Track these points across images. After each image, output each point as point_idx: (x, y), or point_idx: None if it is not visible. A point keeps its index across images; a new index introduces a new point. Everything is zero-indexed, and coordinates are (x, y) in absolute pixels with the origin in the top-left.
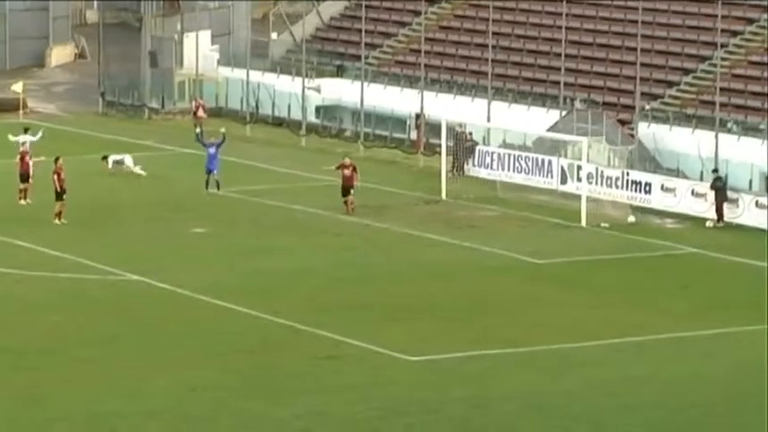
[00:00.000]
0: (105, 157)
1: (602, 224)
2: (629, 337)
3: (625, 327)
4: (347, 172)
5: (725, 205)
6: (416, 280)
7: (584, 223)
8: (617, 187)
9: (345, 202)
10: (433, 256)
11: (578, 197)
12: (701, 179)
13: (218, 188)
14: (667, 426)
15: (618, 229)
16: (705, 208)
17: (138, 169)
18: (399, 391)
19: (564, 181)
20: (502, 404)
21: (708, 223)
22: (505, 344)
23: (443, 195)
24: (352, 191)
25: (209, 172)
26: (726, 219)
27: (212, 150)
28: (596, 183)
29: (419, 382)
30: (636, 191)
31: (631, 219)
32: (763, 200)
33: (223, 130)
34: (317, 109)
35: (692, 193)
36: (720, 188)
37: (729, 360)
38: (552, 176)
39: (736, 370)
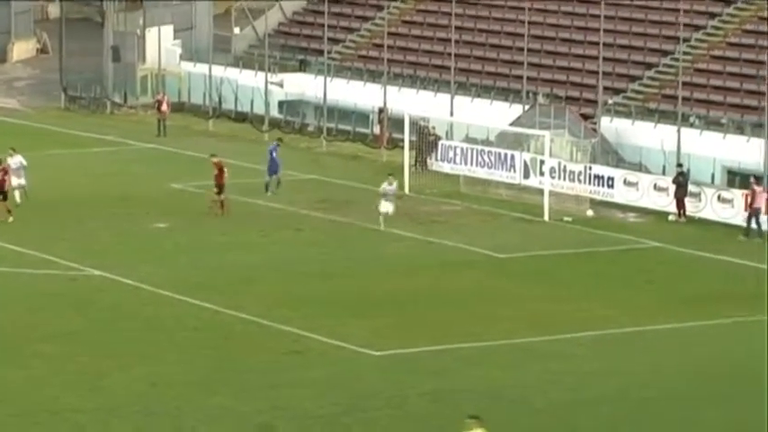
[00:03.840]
0: None
1: (565, 218)
2: (591, 331)
3: (587, 321)
4: (216, 171)
5: (686, 200)
6: (380, 275)
7: (546, 217)
8: (579, 181)
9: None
10: (397, 251)
11: (541, 191)
12: (664, 173)
13: (278, 186)
14: (629, 420)
15: (580, 224)
16: (668, 202)
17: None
18: (363, 385)
19: (527, 175)
20: (465, 398)
21: (670, 217)
22: (468, 338)
23: (406, 190)
24: (218, 189)
25: (273, 174)
26: (688, 213)
27: (273, 153)
28: (559, 177)
29: (382, 376)
30: (598, 185)
31: (590, 213)
32: (725, 194)
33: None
34: (280, 104)
35: (655, 187)
36: (682, 183)
37: (691, 354)
38: (515, 171)
39: (699, 364)
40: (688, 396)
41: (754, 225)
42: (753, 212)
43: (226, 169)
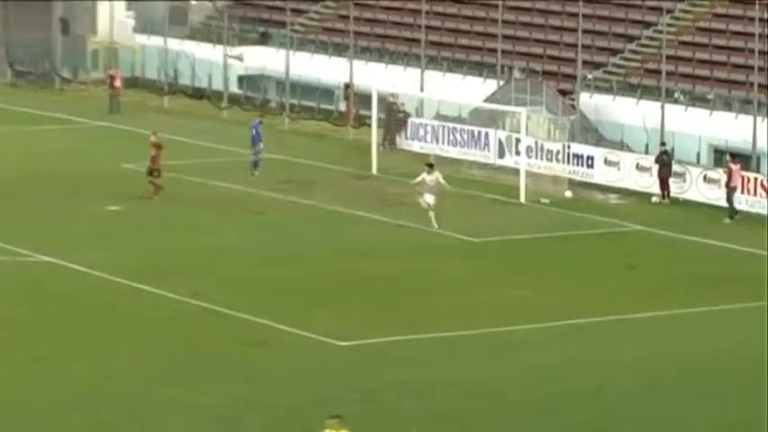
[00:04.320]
0: None
1: (543, 200)
2: (571, 319)
3: (567, 309)
4: (154, 152)
5: (670, 180)
6: (346, 260)
7: (523, 199)
8: (558, 161)
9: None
10: (364, 235)
11: (517, 172)
12: (647, 152)
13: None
14: (613, 413)
15: (559, 206)
16: (650, 183)
17: None
18: (330, 377)
19: (502, 155)
20: (439, 390)
21: (653, 199)
22: (441, 327)
23: (374, 170)
24: (154, 171)
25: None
26: (672, 194)
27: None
28: (536, 156)
29: (350, 368)
30: (578, 165)
31: (568, 194)
32: (711, 174)
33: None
34: (240, 79)
35: (637, 166)
36: (666, 162)
37: (677, 344)
38: (489, 150)
39: (685, 354)
40: (674, 388)
41: (726, 203)
42: (730, 191)
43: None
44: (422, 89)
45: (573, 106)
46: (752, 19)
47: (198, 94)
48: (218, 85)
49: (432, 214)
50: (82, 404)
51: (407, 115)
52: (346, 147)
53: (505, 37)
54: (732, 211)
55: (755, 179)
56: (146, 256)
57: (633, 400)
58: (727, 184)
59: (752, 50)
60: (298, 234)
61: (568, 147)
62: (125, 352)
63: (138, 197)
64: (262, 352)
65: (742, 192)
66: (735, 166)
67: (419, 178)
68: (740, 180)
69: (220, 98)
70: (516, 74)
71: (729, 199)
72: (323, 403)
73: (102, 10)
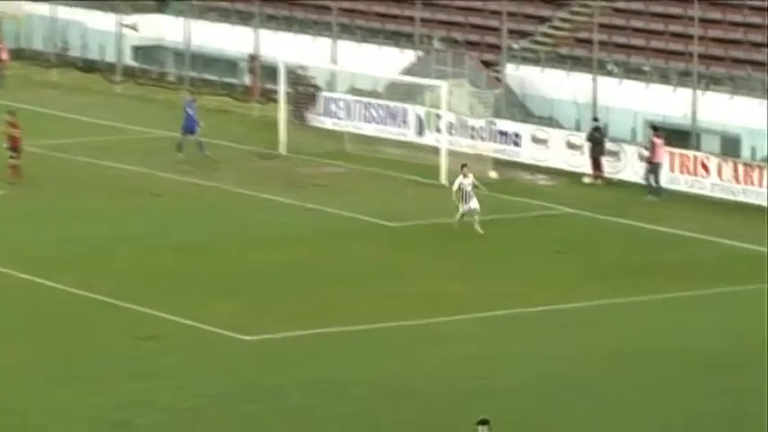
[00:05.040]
0: None
1: None
2: (497, 310)
3: (492, 298)
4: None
5: (603, 159)
6: (251, 247)
7: (444, 180)
8: (481, 139)
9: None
10: (271, 220)
11: (437, 150)
12: (578, 129)
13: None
14: (542, 411)
15: (483, 187)
16: (582, 162)
17: None
18: (233, 375)
19: (421, 132)
20: (353, 389)
21: (585, 179)
22: (356, 320)
23: (282, 149)
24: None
25: (189, 132)
26: (605, 174)
27: (189, 110)
28: (458, 134)
29: (256, 365)
30: (503, 143)
31: (493, 174)
32: (647, 152)
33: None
34: (135, 50)
35: (567, 144)
36: (598, 140)
37: (611, 336)
38: (407, 127)
39: (620, 347)
40: (609, 383)
41: (653, 182)
42: (652, 168)
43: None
44: (333, 61)
45: (498, 79)
46: None
47: (89, 66)
48: (111, 57)
49: (476, 218)
50: None
51: (318, 89)
52: (251, 124)
53: (424, 4)
54: (652, 189)
55: (695, 157)
56: (32, 244)
57: (564, 397)
58: (650, 160)
59: (691, 18)
60: (199, 219)
61: (493, 123)
62: (9, 352)
63: (22, 180)
64: (158, 347)
65: (681, 171)
66: (658, 140)
67: (456, 185)
68: (664, 155)
69: (114, 71)
70: (436, 44)
71: (655, 176)
72: (224, 404)
73: None
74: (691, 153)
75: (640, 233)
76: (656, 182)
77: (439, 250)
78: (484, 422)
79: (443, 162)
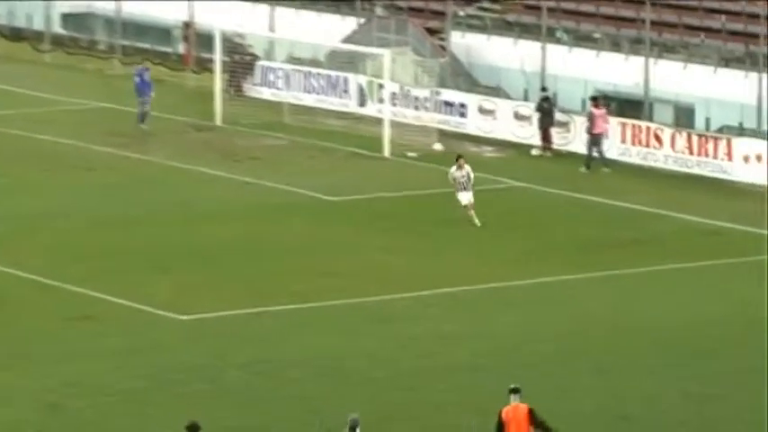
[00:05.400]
0: None
1: (409, 154)
2: (442, 287)
3: (438, 276)
4: None
5: (553, 130)
6: (186, 223)
7: (387, 153)
8: (426, 109)
9: None
10: (207, 194)
11: (380, 121)
12: (526, 99)
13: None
14: (489, 390)
15: (427, 160)
16: (530, 133)
17: None
18: (168, 356)
19: (362, 102)
20: (290, 370)
21: (533, 151)
22: (293, 298)
23: (218, 121)
24: None
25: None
26: (555, 146)
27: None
28: (401, 104)
29: (191, 345)
30: (449, 113)
31: (438, 146)
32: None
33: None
34: (64, 17)
35: (515, 115)
36: (547, 110)
37: (562, 313)
38: (349, 97)
39: (570, 324)
40: (559, 361)
41: (595, 153)
42: (593, 139)
43: None
44: (272, 28)
45: (443, 47)
46: None
47: (16, 35)
48: (39, 25)
49: (472, 212)
50: None
51: (255, 58)
52: (186, 94)
53: None
54: (590, 161)
55: (648, 128)
56: None
57: (510, 377)
58: (590, 131)
59: None
60: (132, 193)
61: (438, 93)
62: None
63: None
64: (91, 327)
65: (634, 143)
66: (597, 111)
67: (449, 176)
68: (607, 125)
69: (42, 39)
70: (378, 11)
71: (598, 148)
72: (160, 386)
73: None
74: (643, 124)
75: (591, 207)
76: (601, 153)
77: (380, 225)
78: (515, 390)
79: (386, 134)
